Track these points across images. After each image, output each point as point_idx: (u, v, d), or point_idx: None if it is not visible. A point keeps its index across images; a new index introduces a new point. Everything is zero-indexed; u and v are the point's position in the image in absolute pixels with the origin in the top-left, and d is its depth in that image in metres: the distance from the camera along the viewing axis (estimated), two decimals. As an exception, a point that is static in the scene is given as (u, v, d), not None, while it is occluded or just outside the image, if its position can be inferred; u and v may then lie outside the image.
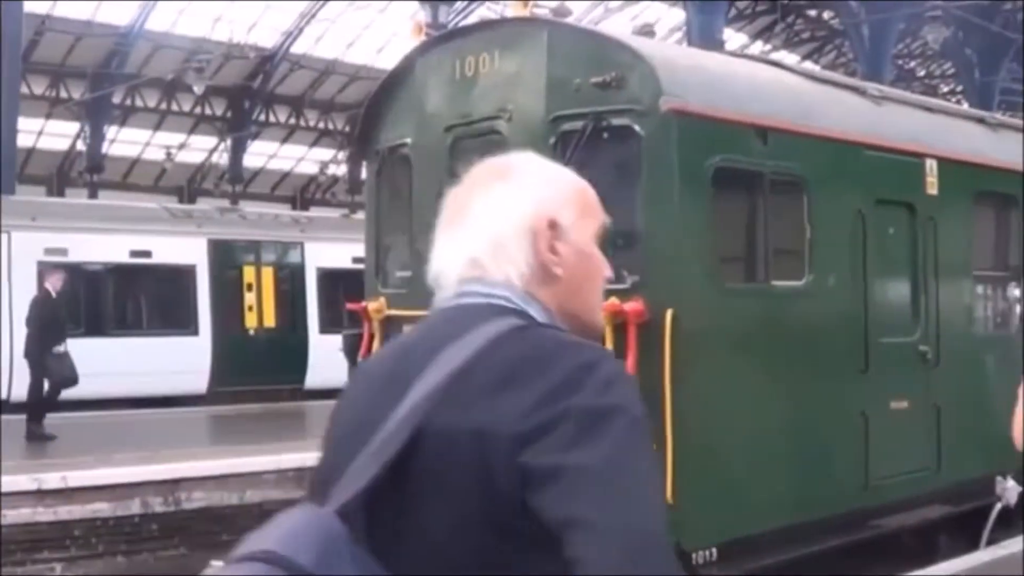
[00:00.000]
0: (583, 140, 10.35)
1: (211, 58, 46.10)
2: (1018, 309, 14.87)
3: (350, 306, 13.15)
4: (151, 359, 27.17)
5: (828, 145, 11.55)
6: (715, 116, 10.37)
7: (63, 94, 51.68)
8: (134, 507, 17.52)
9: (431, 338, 2.70)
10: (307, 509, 2.58)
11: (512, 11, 12.22)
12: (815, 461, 11.33)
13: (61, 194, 53.18)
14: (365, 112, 13.17)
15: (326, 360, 24.68)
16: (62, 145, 55.76)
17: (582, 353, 2.59)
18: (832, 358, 11.60)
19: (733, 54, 16.11)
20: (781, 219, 11.08)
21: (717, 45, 31.87)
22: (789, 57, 51.77)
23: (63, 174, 56.39)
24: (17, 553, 16.19)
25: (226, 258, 31.75)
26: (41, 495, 16.81)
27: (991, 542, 12.69)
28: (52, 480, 17.01)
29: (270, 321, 32.40)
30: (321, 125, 62.09)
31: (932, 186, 12.92)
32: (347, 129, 58.25)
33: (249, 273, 32.18)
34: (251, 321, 32.02)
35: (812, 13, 57.18)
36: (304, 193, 66.85)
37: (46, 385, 21.74)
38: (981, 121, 15.48)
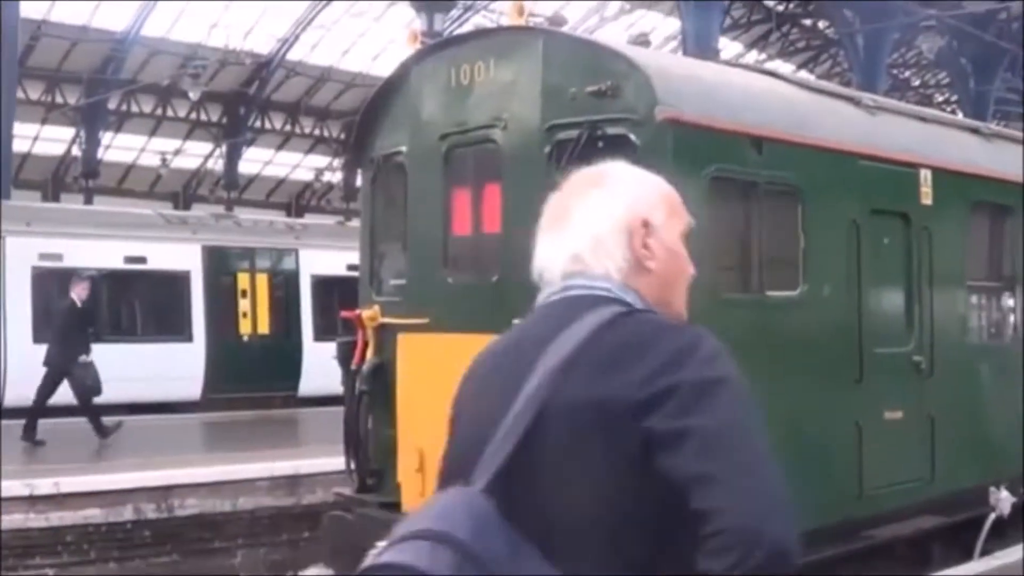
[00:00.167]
0: (578, 149, 10.32)
1: (207, 64, 46.11)
2: (1012, 319, 14.87)
3: (344, 314, 13.13)
4: (145, 365, 27.15)
5: (823, 155, 11.55)
6: (710, 126, 10.37)
7: (59, 99, 51.69)
8: (127, 513, 17.49)
9: (546, 326, 3.05)
10: (456, 490, 2.90)
11: (508, 20, 12.17)
12: (809, 471, 11.31)
13: (56, 199, 53.10)
14: (360, 119, 13.16)
15: (320, 367, 24.67)
16: (57, 150, 55.73)
17: (684, 332, 2.98)
18: (826, 368, 11.58)
19: (728, 63, 16.10)
20: (776, 229, 11.08)
21: (712, 54, 31.89)
22: (784, 67, 51.82)
23: (58, 179, 56.36)
24: (9, 559, 16.16)
25: (221, 264, 31.72)
26: (33, 501, 16.78)
27: (985, 553, 12.69)
28: (44, 486, 16.99)
29: (264, 328, 32.36)
30: (316, 132, 62.10)
31: (927, 196, 12.93)
32: (342, 136, 58.28)
33: (243, 280, 32.15)
34: (245, 328, 31.99)
35: (807, 23, 57.23)
36: (299, 200, 66.85)
37: (59, 392, 21.97)
38: (976, 131, 15.49)
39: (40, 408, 21.96)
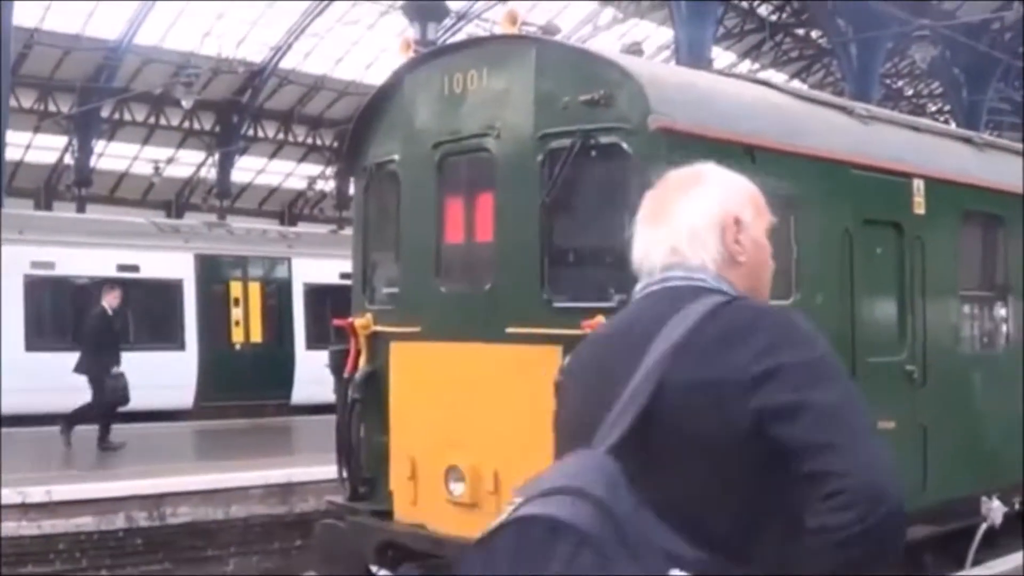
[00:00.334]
0: (571, 158, 10.33)
1: (200, 73, 46.14)
2: (1004, 329, 14.87)
3: (337, 322, 13.12)
4: (137, 373, 27.12)
5: (816, 164, 11.55)
6: (703, 134, 10.35)
7: (51, 107, 51.75)
8: (119, 522, 17.48)
9: (654, 311, 3.36)
10: (586, 452, 3.17)
11: (501, 28, 12.17)
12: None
13: (49, 208, 53.12)
14: (353, 128, 13.14)
15: (312, 376, 24.66)
16: (50, 158, 55.77)
17: (782, 315, 3.36)
18: (818, 377, 11.56)
19: (721, 73, 16.12)
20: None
21: (705, 63, 31.92)
22: (777, 76, 51.84)
23: (51, 188, 56.38)
24: (2, 567, 16.13)
25: (213, 273, 31.73)
26: (25, 509, 16.76)
27: (976, 562, 12.70)
28: (36, 494, 16.97)
29: (257, 336, 32.37)
30: (309, 140, 62.17)
31: (919, 206, 12.93)
32: (335, 145, 58.33)
33: (236, 288, 32.17)
34: (238, 336, 32.00)
35: (800, 32, 57.29)
36: (292, 208, 66.90)
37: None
38: (968, 141, 15.49)
39: (107, 415, 22.59)
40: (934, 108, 64.25)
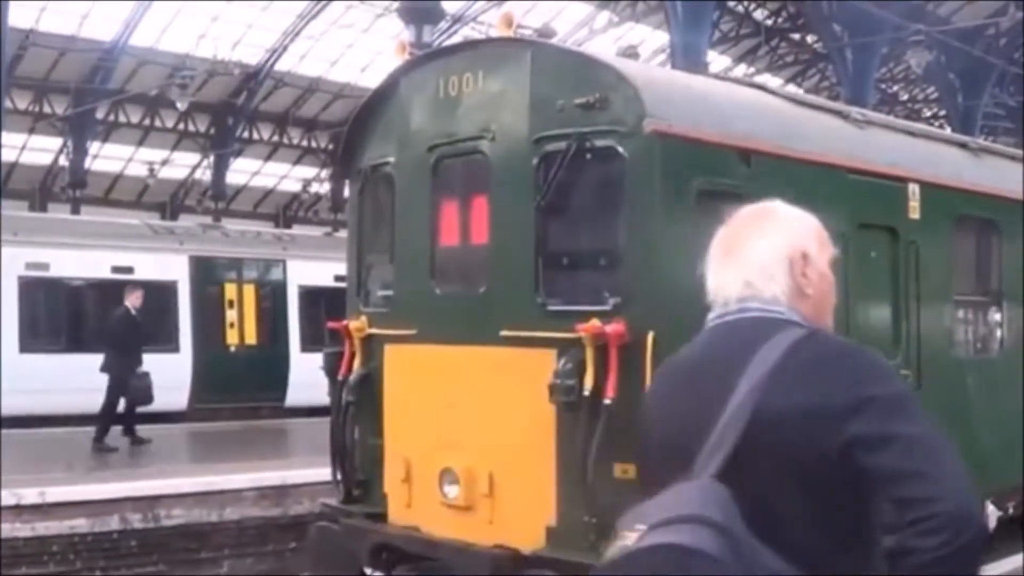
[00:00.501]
0: (566, 161, 10.32)
1: (195, 74, 46.01)
2: (998, 334, 14.88)
3: (331, 324, 13.11)
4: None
5: (811, 169, 11.54)
6: (699, 138, 10.36)
7: (46, 109, 51.62)
8: (113, 523, 17.48)
9: (738, 339, 3.65)
10: (692, 482, 3.40)
11: (496, 31, 12.16)
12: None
13: (43, 209, 53.03)
14: (348, 130, 13.13)
15: (307, 378, 24.66)
16: (45, 160, 55.64)
17: (863, 352, 3.66)
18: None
19: (717, 76, 16.11)
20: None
21: (701, 67, 31.92)
22: (773, 80, 51.85)
23: (45, 189, 56.24)
24: (-5, 569, 16.15)
25: (208, 275, 31.74)
26: (19, 510, 16.75)
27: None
28: (30, 495, 16.97)
29: (251, 338, 32.37)
30: (304, 143, 62.03)
31: (914, 210, 12.93)
32: (330, 147, 58.25)
33: (231, 290, 32.17)
34: (232, 338, 32.00)
35: (796, 37, 57.22)
36: (287, 211, 66.80)
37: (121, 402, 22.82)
38: (964, 146, 15.50)
39: (131, 414, 23.24)
40: (929, 113, 64.25)
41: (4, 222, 27.70)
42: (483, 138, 11.20)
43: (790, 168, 11.20)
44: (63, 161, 54.21)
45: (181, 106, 46.68)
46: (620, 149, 10.18)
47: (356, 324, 12.29)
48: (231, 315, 31.99)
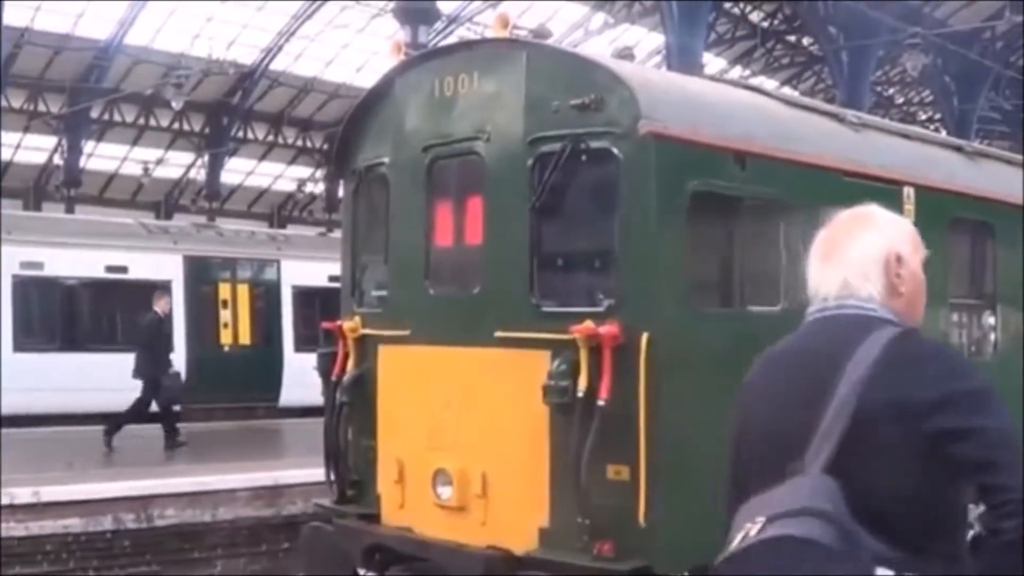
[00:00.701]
0: (561, 162, 10.31)
1: (190, 74, 46.01)
2: (992, 337, 14.88)
3: (325, 325, 13.10)
4: (126, 375, 27.10)
5: (806, 171, 11.52)
6: (694, 140, 10.34)
7: (41, 108, 51.60)
8: (106, 523, 17.47)
9: (837, 335, 4.00)
10: (805, 477, 3.75)
11: (492, 32, 12.14)
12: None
13: (38, 208, 53.07)
14: (343, 130, 13.11)
15: (300, 378, 24.67)
16: (39, 159, 55.69)
17: (951, 351, 4.26)
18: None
19: (712, 78, 16.11)
20: (758, 244, 11.05)
21: (696, 69, 31.93)
22: (768, 83, 51.84)
23: (40, 188, 56.29)
24: (-12, 568, 16.13)
25: (202, 274, 31.75)
26: (13, 510, 16.73)
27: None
28: (24, 495, 16.94)
29: (245, 338, 32.39)
30: (299, 143, 62.08)
31: (910, 213, 12.90)
32: (325, 147, 58.22)
33: (225, 290, 32.18)
34: (226, 338, 32.02)
35: (791, 39, 57.23)
36: (281, 211, 66.84)
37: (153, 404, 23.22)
38: (959, 149, 15.49)
39: (169, 415, 23.54)
40: (925, 116, 64.34)
41: (-1, 221, 27.75)
42: (478, 139, 11.17)
43: (785, 170, 11.19)
44: (58, 160, 54.25)
45: (176, 105, 46.67)
46: (615, 150, 10.17)
47: (350, 324, 12.27)
48: (225, 315, 32.00)
